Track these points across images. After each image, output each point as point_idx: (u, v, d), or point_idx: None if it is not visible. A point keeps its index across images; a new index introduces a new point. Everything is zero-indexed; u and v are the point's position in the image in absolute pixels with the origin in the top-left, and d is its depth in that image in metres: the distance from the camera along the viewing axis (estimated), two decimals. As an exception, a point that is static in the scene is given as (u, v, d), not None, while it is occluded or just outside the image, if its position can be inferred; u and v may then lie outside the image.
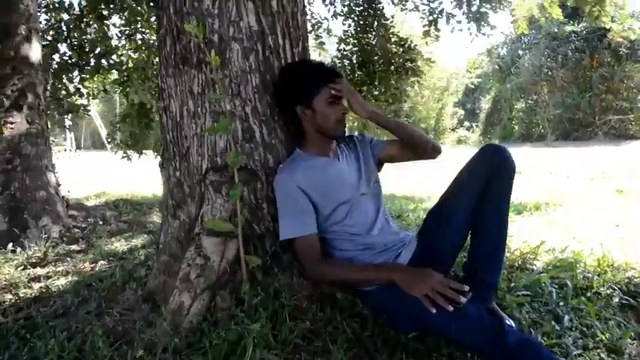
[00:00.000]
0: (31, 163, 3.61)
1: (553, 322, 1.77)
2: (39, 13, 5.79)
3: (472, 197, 1.70)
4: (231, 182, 1.82)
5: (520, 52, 27.11)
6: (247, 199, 1.84)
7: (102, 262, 2.88)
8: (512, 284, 2.07)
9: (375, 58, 7.52)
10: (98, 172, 13.13)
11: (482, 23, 7.48)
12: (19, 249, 3.13)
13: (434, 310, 1.39)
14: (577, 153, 15.56)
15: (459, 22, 7.46)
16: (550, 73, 24.80)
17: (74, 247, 3.36)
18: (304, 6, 2.06)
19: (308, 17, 8.29)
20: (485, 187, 1.68)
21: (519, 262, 2.46)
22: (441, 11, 7.64)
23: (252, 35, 1.83)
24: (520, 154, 16.72)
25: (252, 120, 1.84)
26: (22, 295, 2.31)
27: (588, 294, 2.08)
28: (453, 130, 38.02)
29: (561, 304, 1.95)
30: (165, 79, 1.97)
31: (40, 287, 2.39)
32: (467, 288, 1.43)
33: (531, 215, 3.80)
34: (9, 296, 2.30)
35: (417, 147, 1.86)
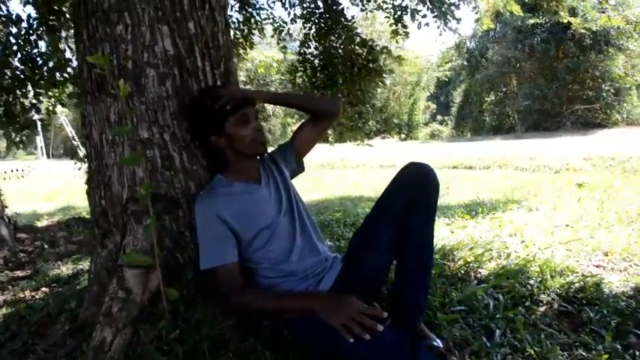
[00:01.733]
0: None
1: (484, 339, 1.77)
2: (-16, 28, 5.65)
3: (395, 218, 1.68)
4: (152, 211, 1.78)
5: (488, 45, 27.41)
6: (169, 227, 1.80)
7: (44, 289, 2.81)
8: (447, 300, 2.07)
9: (337, 60, 7.51)
10: (68, 182, 12.85)
11: (448, 18, 7.49)
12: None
13: (351, 340, 1.37)
14: (545, 144, 15.83)
15: (424, 16, 7.42)
16: (518, 65, 25.17)
17: (19, 273, 3.27)
18: (226, 25, 2.02)
19: (269, 21, 8.27)
20: (408, 208, 1.67)
21: (462, 272, 2.46)
22: (405, 7, 7.65)
23: (168, 60, 1.78)
24: (490, 147, 17.04)
25: (172, 147, 1.80)
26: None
27: (527, 303, 2.09)
28: (426, 124, 38.30)
29: (498, 316, 1.95)
30: (85, 107, 1.92)
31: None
32: (385, 314, 1.42)
33: (484, 217, 3.82)
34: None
35: (322, 110, 1.91)
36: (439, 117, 38.25)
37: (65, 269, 3.21)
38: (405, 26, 7.71)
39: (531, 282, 2.25)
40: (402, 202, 1.68)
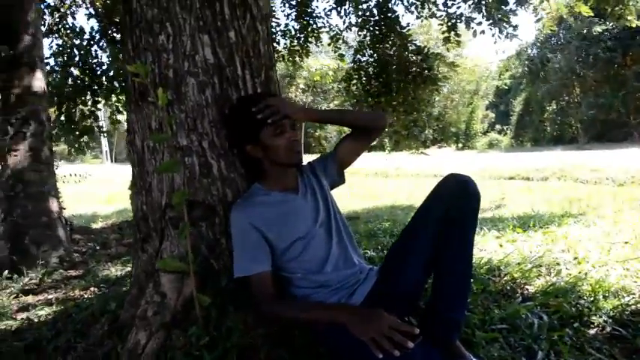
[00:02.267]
0: (34, 189, 3.70)
1: (524, 360, 1.68)
2: (51, 38, 5.98)
3: (432, 231, 1.63)
4: (189, 218, 1.81)
5: (550, 53, 26.47)
6: (205, 234, 1.82)
7: (93, 288, 2.91)
8: (488, 317, 1.98)
9: (392, 68, 7.46)
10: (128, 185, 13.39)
11: (504, 25, 7.27)
12: (15, 276, 3.19)
13: (380, 355, 1.33)
14: (609, 156, 15.06)
15: (480, 23, 7.23)
16: (581, 73, 24.14)
17: (72, 272, 3.41)
18: (268, 34, 2.03)
19: (325, 29, 8.32)
20: (446, 220, 1.61)
21: (507, 289, 2.35)
22: (460, 15, 7.51)
23: (208, 68, 1.81)
24: (550, 158, 16.39)
25: (210, 154, 1.82)
26: (2, 327, 2.34)
27: (575, 324, 1.97)
28: (484, 133, 37.40)
29: (541, 337, 1.84)
30: (129, 114, 1.98)
31: (22, 319, 2.43)
32: (417, 331, 1.37)
33: (537, 231, 3.65)
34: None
35: (367, 127, 1.88)
36: (498, 126, 37.28)
37: (114, 270, 3.32)
38: (457, 34, 7.57)
39: (582, 302, 2.12)
40: (440, 214, 1.62)
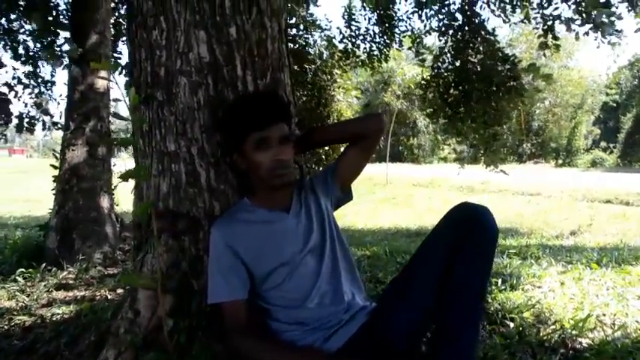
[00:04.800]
0: (87, 184, 3.78)
1: None
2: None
3: (436, 269, 1.35)
4: (172, 230, 1.66)
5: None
6: (187, 249, 1.65)
7: (120, 290, 2.87)
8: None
9: (474, 76, 6.96)
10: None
11: (607, 28, 6.54)
12: (54, 269, 3.25)
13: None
14: None
15: (582, 24, 6.54)
16: None
17: (112, 270, 3.42)
18: (280, 30, 1.83)
19: (408, 32, 8.00)
20: (453, 258, 1.32)
21: (553, 341, 1.96)
22: (558, 17, 6.87)
23: (202, 67, 1.64)
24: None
25: (198, 162, 1.65)
26: (17, 321, 2.34)
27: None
28: (588, 150, 34.68)
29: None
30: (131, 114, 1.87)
31: (39, 315, 2.41)
32: None
33: (613, 269, 3.11)
34: (4, 323, 2.34)
35: (358, 134, 1.62)
36: (603, 143, 34.37)
37: (148, 272, 3.28)
38: (555, 37, 6.95)
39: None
40: (445, 250, 1.34)
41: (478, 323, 1.37)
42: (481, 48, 6.97)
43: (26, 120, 6.24)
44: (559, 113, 35.36)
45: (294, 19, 8.36)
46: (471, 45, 7.07)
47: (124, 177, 1.49)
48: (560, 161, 33.96)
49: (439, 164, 36.63)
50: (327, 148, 8.27)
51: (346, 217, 8.78)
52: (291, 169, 1.49)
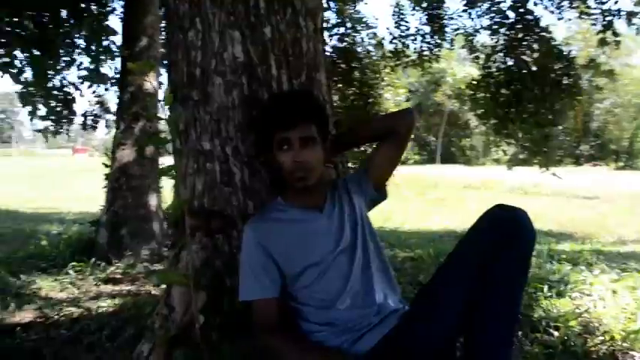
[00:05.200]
0: (136, 182, 3.91)
1: None
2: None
3: (468, 276, 1.30)
4: (207, 228, 1.68)
5: None
6: (221, 248, 1.67)
7: (164, 286, 2.95)
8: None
9: (526, 75, 6.72)
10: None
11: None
12: (103, 264, 3.38)
13: None
14: None
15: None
16: None
17: (158, 266, 3.52)
18: (316, 30, 1.83)
19: (459, 31, 7.84)
20: (486, 263, 1.27)
21: (602, 353, 1.86)
22: (618, 11, 6.57)
23: (236, 67, 1.66)
24: None
25: (232, 161, 1.66)
26: (66, 312, 2.44)
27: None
28: (652, 152, 32.88)
29: None
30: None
31: (87, 307, 2.52)
32: None
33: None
34: (54, 313, 2.45)
35: (389, 131, 1.59)
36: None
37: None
38: (615, 33, 6.64)
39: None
40: (479, 255, 1.29)
41: (511, 332, 1.31)
42: (535, 46, 6.74)
43: (90, 118, 6.53)
44: (620, 114, 33.73)
45: (341, 17, 8.33)
46: (524, 43, 6.83)
47: (160, 174, 1.52)
48: (620, 164, 32.37)
49: (492, 166, 35.70)
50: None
51: (394, 218, 8.68)
52: (313, 172, 1.47)
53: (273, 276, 1.45)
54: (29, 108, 4.93)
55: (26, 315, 2.45)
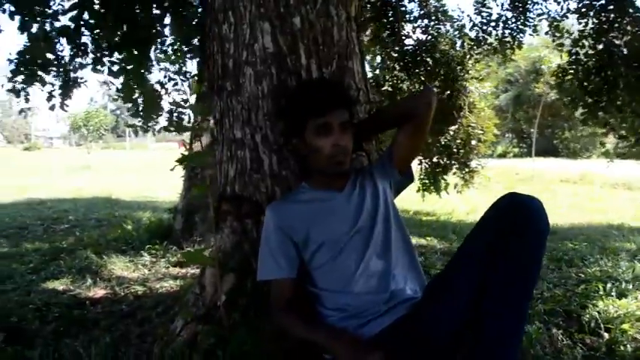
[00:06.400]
0: (210, 171, 4.11)
1: None
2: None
3: (476, 267, 1.25)
4: (237, 213, 1.75)
5: None
6: (250, 232, 1.73)
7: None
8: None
9: (619, 61, 6.16)
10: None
11: None
12: (175, 248, 3.61)
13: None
14: None
15: None
16: None
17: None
18: (348, 18, 1.82)
19: (544, 16, 7.34)
20: (494, 253, 1.22)
21: (620, 349, 1.70)
22: None
23: (266, 58, 1.71)
24: None
25: (262, 149, 1.72)
26: (132, 290, 2.65)
27: None
28: None
29: None
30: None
31: (150, 287, 2.71)
32: None
33: None
34: (122, 290, 2.67)
35: (409, 112, 1.57)
36: None
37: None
38: None
39: None
40: (485, 245, 1.24)
41: (519, 325, 1.24)
42: (628, 28, 6.13)
43: (175, 115, 6.93)
44: None
45: (424, 10, 8.13)
46: (617, 26, 6.25)
47: (180, 161, 1.62)
48: None
49: (597, 159, 33.10)
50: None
51: (479, 210, 8.37)
52: (349, 157, 1.49)
53: (291, 257, 1.48)
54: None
55: (99, 291, 2.70)
